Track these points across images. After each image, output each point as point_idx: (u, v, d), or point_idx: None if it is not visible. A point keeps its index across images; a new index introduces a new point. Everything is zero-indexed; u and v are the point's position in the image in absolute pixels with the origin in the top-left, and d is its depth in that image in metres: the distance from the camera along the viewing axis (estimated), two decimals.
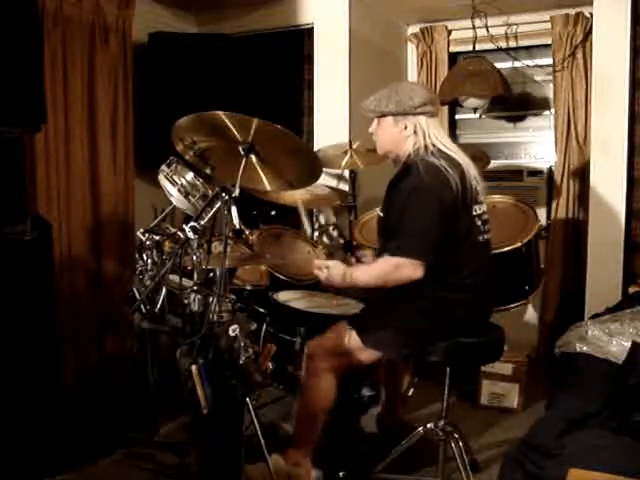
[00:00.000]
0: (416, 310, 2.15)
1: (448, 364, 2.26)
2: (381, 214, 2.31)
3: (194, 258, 1.91)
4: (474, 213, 2.17)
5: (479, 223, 2.19)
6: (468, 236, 2.16)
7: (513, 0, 3.70)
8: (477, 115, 4.19)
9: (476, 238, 2.18)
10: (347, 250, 3.50)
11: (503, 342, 2.32)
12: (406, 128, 2.18)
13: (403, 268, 2.05)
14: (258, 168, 2.12)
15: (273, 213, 3.39)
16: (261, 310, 2.76)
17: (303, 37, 3.94)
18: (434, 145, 2.16)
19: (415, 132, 2.18)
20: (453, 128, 4.39)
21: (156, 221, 2.34)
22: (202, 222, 1.91)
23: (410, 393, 2.89)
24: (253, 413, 2.21)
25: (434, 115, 2.21)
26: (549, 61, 3.87)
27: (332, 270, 2.18)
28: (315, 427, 2.27)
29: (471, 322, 2.21)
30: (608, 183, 3.43)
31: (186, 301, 1.90)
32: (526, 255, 2.84)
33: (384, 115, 2.21)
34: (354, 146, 3.38)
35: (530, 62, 4.06)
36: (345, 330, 2.22)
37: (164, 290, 1.96)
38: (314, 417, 2.26)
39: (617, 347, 2.56)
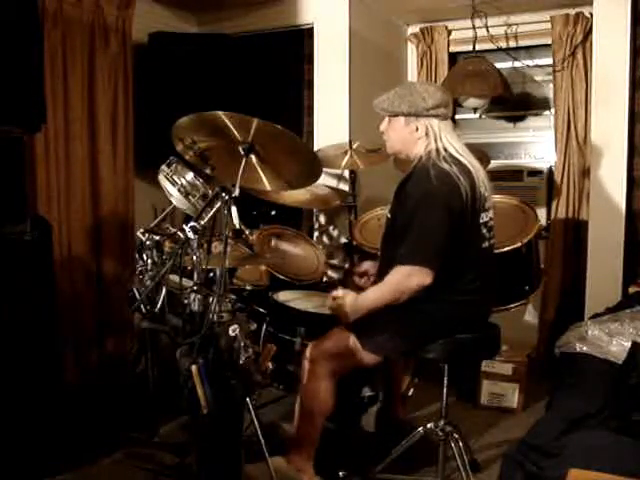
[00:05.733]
0: (417, 312, 2.15)
1: (445, 361, 2.26)
2: (389, 215, 2.30)
3: (194, 258, 1.91)
4: (481, 221, 2.16)
5: (484, 231, 2.19)
6: (473, 243, 2.16)
7: (513, 0, 3.70)
8: (477, 115, 4.19)
9: (480, 245, 2.18)
10: (348, 251, 3.52)
11: (499, 338, 2.33)
12: (417, 130, 2.16)
13: (413, 276, 2.04)
14: (258, 168, 2.12)
15: (273, 213, 3.39)
16: (261, 310, 2.76)
17: (303, 37, 3.94)
18: (446, 149, 2.14)
19: (426, 134, 2.15)
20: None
21: (156, 221, 2.33)
22: (202, 222, 1.91)
23: (410, 393, 2.89)
24: (253, 413, 2.20)
25: (447, 118, 2.18)
26: (549, 61, 3.87)
27: (345, 301, 2.16)
28: (315, 430, 2.26)
29: (471, 322, 2.21)
30: (608, 183, 3.43)
31: (186, 301, 1.90)
32: (526, 255, 2.84)
33: (396, 115, 2.19)
34: (354, 146, 3.38)
35: (530, 62, 4.06)
36: (344, 333, 2.22)
37: (164, 290, 1.96)
38: (314, 420, 2.26)
39: (617, 347, 2.55)
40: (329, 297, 2.25)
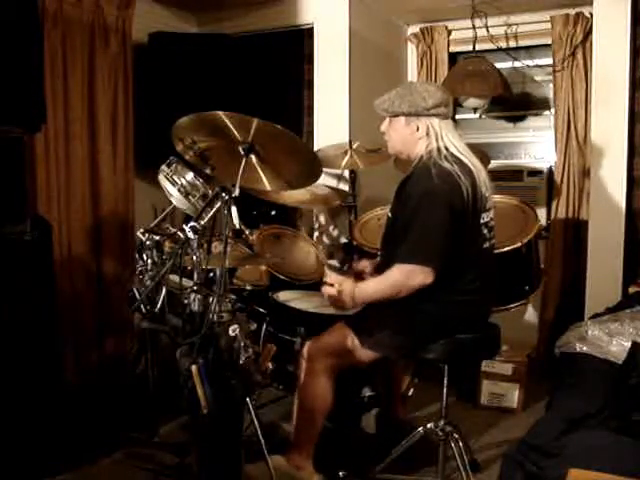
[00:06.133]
0: (417, 312, 2.15)
1: (445, 361, 2.26)
2: (390, 215, 2.30)
3: (194, 258, 1.91)
4: (482, 221, 2.16)
5: (485, 231, 2.19)
6: (474, 243, 2.16)
7: (513, 0, 3.70)
8: (477, 115, 4.19)
9: (481, 245, 2.18)
10: (347, 251, 3.52)
11: (499, 338, 2.33)
12: (418, 129, 2.16)
13: (415, 275, 2.04)
14: (258, 168, 2.12)
15: (273, 213, 3.39)
16: (261, 310, 2.76)
17: (303, 37, 3.94)
18: (447, 148, 2.13)
19: (427, 134, 2.15)
20: None
21: (156, 221, 2.33)
22: (202, 222, 1.91)
23: (410, 393, 2.89)
24: (253, 413, 2.21)
25: (448, 117, 2.18)
26: (549, 61, 3.87)
27: (345, 289, 2.15)
28: (314, 428, 2.27)
29: (471, 322, 2.21)
30: (608, 183, 3.43)
31: (186, 301, 1.90)
32: (526, 255, 2.85)
33: (396, 115, 2.19)
34: (354, 146, 3.38)
35: (530, 62, 4.06)
36: (343, 331, 2.22)
37: (164, 290, 1.96)
38: (312, 418, 2.26)
39: (617, 347, 2.55)
40: (325, 284, 2.22)
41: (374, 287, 2.16)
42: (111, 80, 3.37)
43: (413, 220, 2.07)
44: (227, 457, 1.89)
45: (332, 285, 2.18)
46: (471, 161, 2.15)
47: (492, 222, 2.24)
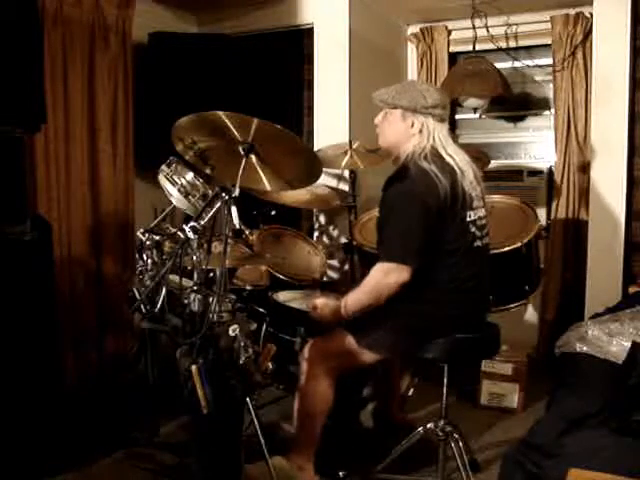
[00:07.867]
0: (414, 312, 2.15)
1: (445, 361, 2.26)
2: (377, 214, 2.32)
3: (194, 258, 1.91)
4: (468, 219, 2.16)
5: (474, 229, 2.18)
6: (462, 242, 2.15)
7: (513, 0, 3.70)
8: (477, 115, 4.19)
9: (472, 244, 2.18)
10: (347, 251, 3.53)
11: (499, 338, 2.33)
12: (413, 126, 2.18)
13: (390, 273, 2.07)
14: (258, 168, 2.12)
15: (273, 213, 3.40)
16: (261, 310, 2.76)
17: (303, 37, 3.95)
18: (433, 148, 2.15)
19: (421, 131, 2.17)
20: (453, 128, 4.38)
21: (156, 221, 2.34)
22: (202, 222, 1.91)
23: (410, 393, 2.89)
24: (253, 413, 2.20)
25: (443, 119, 2.20)
26: (549, 61, 3.87)
27: (324, 310, 2.23)
28: (315, 429, 2.27)
29: (466, 322, 2.22)
30: (608, 183, 3.43)
31: (186, 301, 1.90)
32: (526, 255, 2.85)
33: (394, 107, 2.20)
34: (354, 146, 3.38)
35: (530, 62, 4.06)
36: (343, 333, 2.23)
37: (164, 290, 1.96)
38: (313, 420, 2.26)
39: (617, 347, 2.55)
40: (310, 306, 2.29)
41: (355, 296, 2.18)
42: (111, 80, 3.37)
43: (387, 220, 2.12)
44: (227, 457, 1.89)
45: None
46: (456, 162, 2.16)
47: (483, 221, 2.23)
